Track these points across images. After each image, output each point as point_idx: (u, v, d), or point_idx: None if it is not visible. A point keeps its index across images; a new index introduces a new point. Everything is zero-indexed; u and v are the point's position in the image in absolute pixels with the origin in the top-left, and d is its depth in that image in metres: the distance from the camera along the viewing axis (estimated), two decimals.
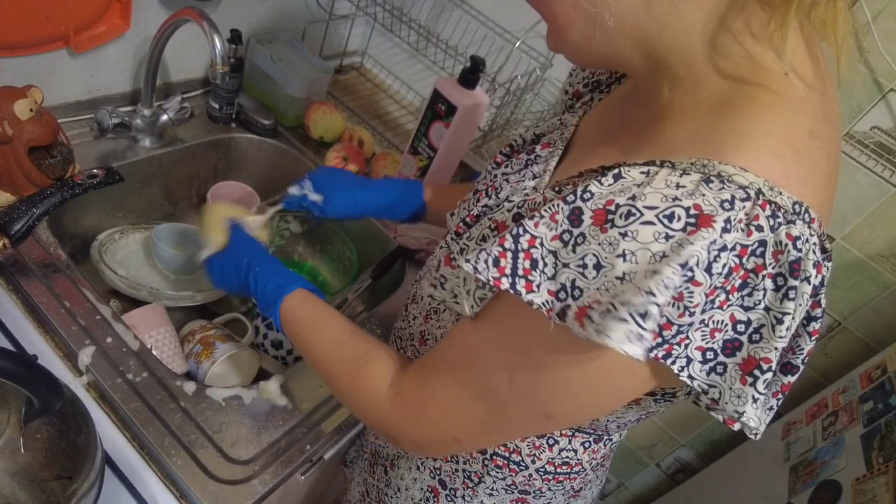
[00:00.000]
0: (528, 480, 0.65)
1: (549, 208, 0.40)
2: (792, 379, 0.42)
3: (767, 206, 0.36)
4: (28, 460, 0.49)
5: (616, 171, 0.40)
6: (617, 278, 0.36)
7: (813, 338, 0.41)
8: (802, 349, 0.41)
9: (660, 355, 0.37)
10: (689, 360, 0.38)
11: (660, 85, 0.44)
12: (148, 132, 0.97)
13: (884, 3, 0.90)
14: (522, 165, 0.56)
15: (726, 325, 0.38)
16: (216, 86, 1.05)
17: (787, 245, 0.36)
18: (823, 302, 0.40)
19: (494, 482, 0.66)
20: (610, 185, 0.39)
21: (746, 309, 0.38)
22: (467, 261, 0.42)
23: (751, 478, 1.25)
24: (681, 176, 0.37)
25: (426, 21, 1.26)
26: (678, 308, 0.36)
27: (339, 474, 0.98)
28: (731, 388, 0.39)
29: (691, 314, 0.36)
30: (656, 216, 0.36)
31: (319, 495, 1.09)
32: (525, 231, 0.41)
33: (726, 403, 0.39)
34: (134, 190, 0.99)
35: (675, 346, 0.37)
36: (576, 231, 0.38)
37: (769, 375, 0.39)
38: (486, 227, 0.49)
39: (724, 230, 0.35)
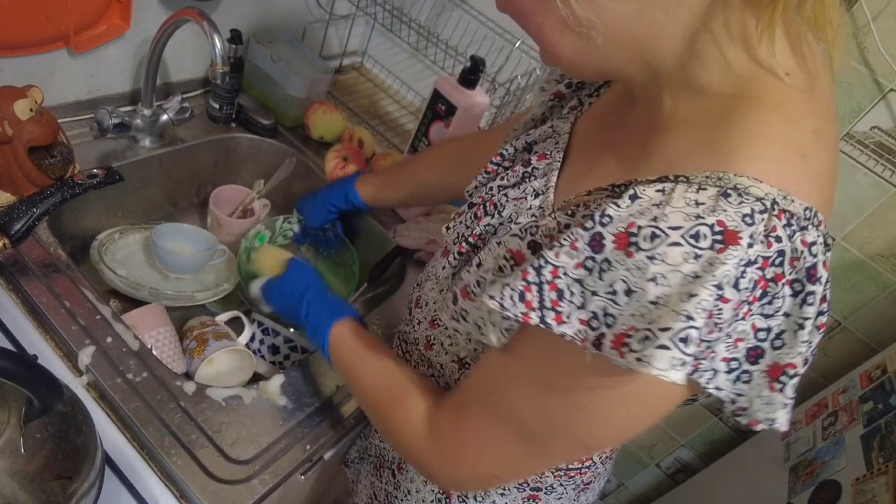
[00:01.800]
0: (541, 477, 0.65)
1: (569, 237, 0.40)
2: (801, 371, 0.42)
3: (783, 216, 0.36)
4: (28, 460, 0.49)
5: (632, 191, 0.39)
6: (651, 303, 0.36)
7: (821, 330, 0.41)
8: (812, 343, 0.41)
9: (689, 371, 0.37)
10: (716, 372, 0.38)
11: (660, 93, 0.43)
12: (148, 132, 0.97)
13: (884, 3, 0.90)
14: (519, 178, 0.55)
15: (748, 333, 0.38)
16: (216, 86, 1.05)
17: (802, 252, 0.37)
18: (829, 296, 0.40)
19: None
20: (628, 206, 0.38)
21: (767, 317, 0.38)
22: (492, 297, 0.42)
23: (751, 478, 1.25)
24: (697, 192, 0.37)
25: (426, 21, 1.27)
26: (708, 326, 0.36)
27: (340, 474, 0.98)
28: (759, 396, 0.39)
29: (720, 330, 0.36)
30: (682, 236, 0.36)
31: (319, 495, 1.09)
32: (547, 262, 0.40)
33: (756, 412, 0.40)
34: (134, 190, 0.99)
35: (703, 361, 0.37)
36: (599, 257, 0.38)
37: (796, 380, 0.39)
38: (500, 256, 0.48)
39: (749, 245, 0.35)
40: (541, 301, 0.40)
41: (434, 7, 1.27)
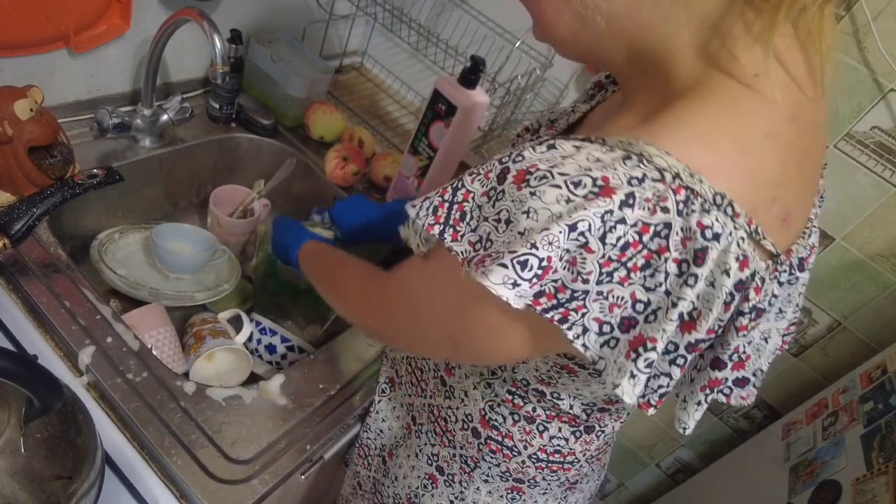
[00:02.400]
0: (522, 468, 0.66)
1: (486, 167, 0.43)
2: (720, 374, 0.43)
3: (682, 191, 0.37)
4: (28, 460, 0.49)
5: (551, 142, 0.41)
6: (518, 233, 0.39)
7: (741, 333, 0.41)
8: (730, 344, 0.42)
9: (556, 318, 0.39)
10: (586, 330, 0.40)
11: (638, 84, 0.46)
12: (148, 132, 0.97)
13: (884, 3, 0.90)
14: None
15: (626, 301, 0.39)
16: (216, 86, 1.05)
17: (695, 232, 0.37)
18: (755, 298, 0.40)
19: (489, 468, 0.67)
20: (542, 152, 0.41)
21: (648, 290, 0.38)
22: (413, 206, 0.46)
23: (751, 478, 1.25)
24: (604, 152, 0.39)
25: (426, 21, 1.27)
26: (572, 273, 0.38)
27: (340, 474, 0.98)
28: (615, 361, 0.40)
29: (585, 281, 0.38)
30: (564, 181, 0.38)
31: (319, 495, 1.09)
32: (462, 185, 0.44)
33: (607, 375, 0.41)
34: (134, 190, 0.99)
35: (572, 312, 0.39)
36: (499, 188, 0.41)
37: (652, 355, 0.39)
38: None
39: (625, 204, 0.37)
40: (447, 218, 0.43)
41: (434, 7, 1.27)
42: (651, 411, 0.43)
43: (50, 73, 0.87)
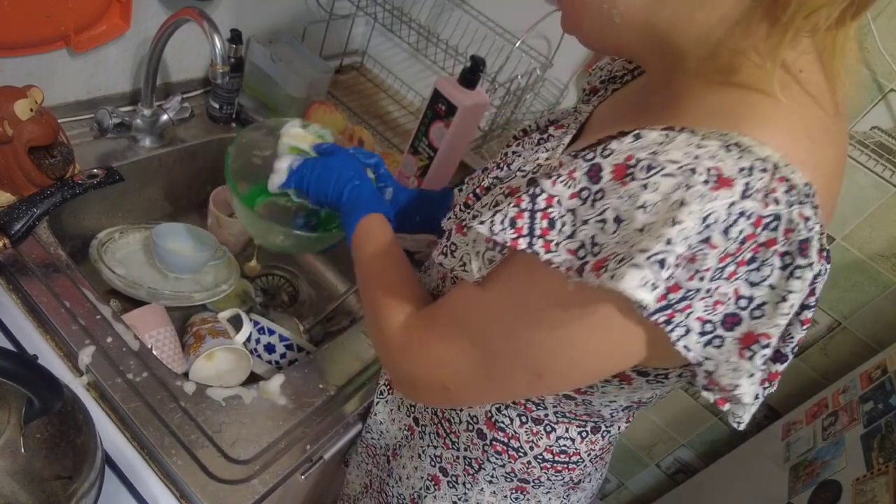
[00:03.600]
0: (527, 468, 0.66)
1: (568, 166, 0.40)
2: (780, 368, 0.42)
3: (784, 182, 0.36)
4: (28, 460, 0.49)
5: (636, 132, 0.40)
6: (637, 230, 0.36)
7: (804, 327, 0.41)
8: (793, 338, 0.41)
9: (661, 320, 0.36)
10: (688, 331, 0.37)
11: (670, 76, 0.45)
12: (148, 132, 0.97)
13: (884, 3, 0.90)
14: (535, 143, 0.58)
15: (729, 298, 0.37)
16: (216, 86, 1.05)
17: (798, 224, 0.36)
18: (818, 292, 0.40)
19: (494, 469, 0.67)
20: (630, 143, 0.39)
21: (752, 284, 0.37)
22: (482, 223, 0.42)
23: (751, 478, 1.25)
24: (700, 140, 0.37)
25: (426, 21, 1.27)
26: (689, 270, 0.35)
27: (340, 474, 0.98)
28: (727, 361, 0.39)
29: (700, 279, 0.36)
30: (678, 169, 0.35)
31: (319, 495, 1.09)
32: (542, 191, 0.40)
33: (721, 376, 0.39)
34: (134, 190, 0.99)
35: (678, 314, 0.37)
36: (594, 187, 0.38)
37: (767, 352, 0.38)
38: (498, 193, 0.49)
39: (744, 195, 0.35)
40: (531, 228, 0.40)
41: (434, 7, 1.27)
42: (744, 422, 0.43)
43: (50, 73, 0.87)
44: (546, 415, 0.61)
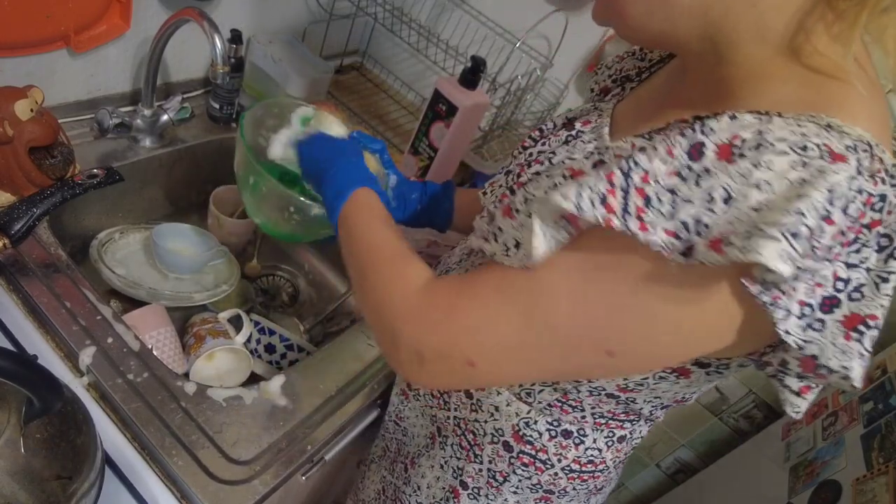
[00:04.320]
0: (554, 479, 0.65)
1: (664, 141, 0.38)
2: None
3: (881, 163, 0.35)
4: (28, 460, 0.49)
5: (730, 113, 0.38)
6: (751, 209, 0.34)
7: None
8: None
9: (767, 301, 0.35)
10: (789, 314, 0.35)
11: (715, 64, 0.44)
12: (148, 132, 0.97)
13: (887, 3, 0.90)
14: (563, 141, 0.56)
15: (828, 280, 0.36)
16: (216, 86, 1.05)
17: (895, 205, 0.35)
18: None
19: (520, 481, 0.66)
20: (728, 123, 0.37)
21: (849, 266, 0.36)
22: (566, 198, 0.38)
23: (751, 478, 1.25)
24: (794, 121, 0.36)
25: (426, 21, 1.27)
26: (804, 247, 0.34)
27: (341, 475, 0.98)
28: (833, 344, 0.37)
29: (815, 259, 0.34)
30: (789, 147, 0.34)
31: (320, 496, 1.09)
32: (637, 165, 0.37)
33: (829, 359, 0.37)
34: (134, 190, 0.99)
35: (784, 296, 0.35)
36: (697, 166, 0.36)
37: (875, 333, 0.37)
38: (556, 175, 0.45)
39: (857, 171, 0.34)
40: (625, 206, 0.37)
41: (434, 7, 1.27)
42: (802, 411, 0.42)
43: (50, 73, 0.87)
44: (579, 427, 0.61)
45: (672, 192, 0.36)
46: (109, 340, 0.71)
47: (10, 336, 0.70)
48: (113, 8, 0.87)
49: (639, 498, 1.61)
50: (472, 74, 0.96)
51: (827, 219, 0.33)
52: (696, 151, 0.36)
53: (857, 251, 0.36)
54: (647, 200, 0.37)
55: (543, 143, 0.58)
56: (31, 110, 0.75)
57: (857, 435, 1.05)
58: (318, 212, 0.69)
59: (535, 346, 0.44)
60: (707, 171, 0.36)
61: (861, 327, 0.37)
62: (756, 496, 1.21)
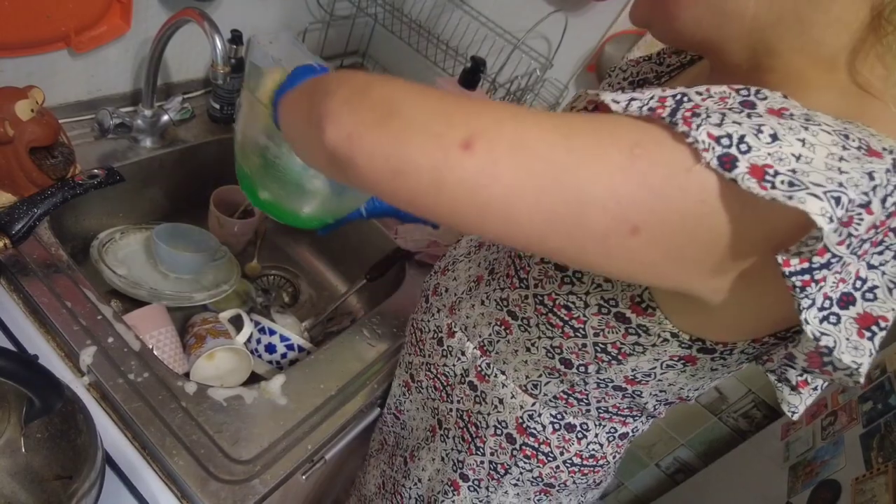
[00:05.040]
0: (555, 472, 0.66)
1: (720, 93, 0.37)
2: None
3: None
4: (28, 460, 0.49)
5: (782, 93, 0.38)
6: (793, 154, 0.33)
7: None
8: None
9: (797, 284, 0.35)
10: (812, 304, 0.36)
11: (755, 72, 0.44)
12: (149, 132, 0.97)
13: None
14: None
15: (851, 276, 0.37)
16: (217, 86, 1.05)
17: None
18: None
19: (521, 473, 0.67)
20: (781, 98, 0.37)
21: (870, 267, 0.37)
22: (616, 101, 0.37)
23: (750, 478, 1.25)
24: (841, 121, 0.37)
25: (426, 21, 1.27)
26: (840, 234, 0.34)
27: (341, 474, 0.98)
28: (848, 340, 0.37)
29: (849, 246, 0.34)
30: (833, 130, 0.35)
31: (321, 495, 1.09)
32: (689, 99, 0.37)
33: (842, 353, 0.37)
34: (135, 190, 0.99)
35: (813, 283, 0.35)
36: (748, 110, 0.36)
37: (884, 334, 0.38)
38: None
39: (894, 167, 0.34)
40: (673, 111, 0.36)
41: (434, 7, 1.27)
42: (799, 412, 0.43)
43: (51, 73, 0.87)
44: (582, 422, 0.61)
45: (723, 114, 0.35)
46: (110, 340, 0.71)
47: (10, 336, 0.70)
48: (113, 8, 0.87)
49: (638, 498, 1.61)
50: (472, 74, 0.96)
51: (867, 207, 0.33)
52: (748, 104, 0.37)
53: (881, 253, 0.37)
54: (696, 113, 0.35)
55: None
56: (32, 110, 0.75)
57: (857, 435, 1.06)
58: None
59: (561, 169, 0.36)
60: (759, 115, 0.36)
61: (874, 327, 0.37)
62: (755, 496, 1.21)
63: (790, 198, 0.32)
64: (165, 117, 0.97)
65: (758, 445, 1.30)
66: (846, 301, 0.37)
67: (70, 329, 0.70)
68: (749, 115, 0.35)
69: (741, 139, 0.34)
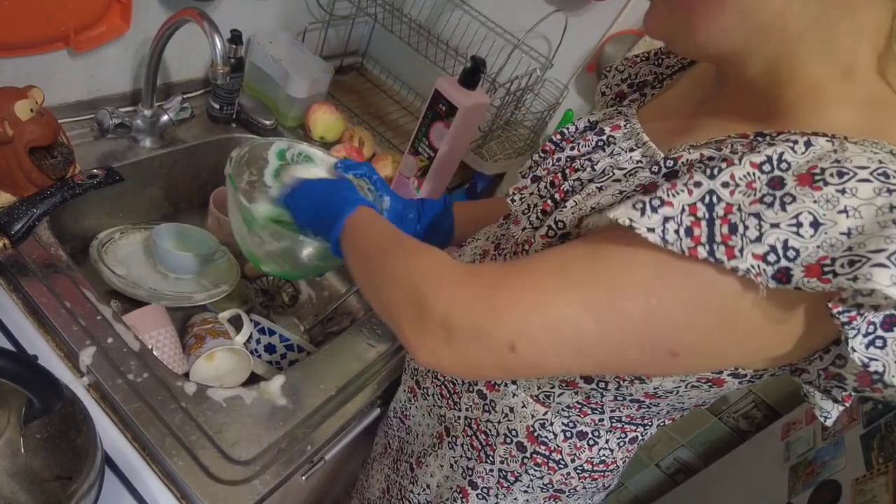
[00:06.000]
0: (566, 479, 0.65)
1: (745, 177, 0.38)
2: None
3: None
4: (28, 460, 0.49)
5: (807, 139, 0.38)
6: (842, 234, 0.35)
7: None
8: None
9: (844, 320, 0.36)
10: (858, 332, 0.37)
11: (773, 84, 0.44)
12: (148, 132, 0.97)
13: None
14: (593, 146, 0.55)
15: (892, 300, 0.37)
16: (217, 86, 1.05)
17: None
18: None
19: (532, 481, 0.66)
20: (803, 153, 0.38)
21: None
22: (651, 231, 0.38)
23: (751, 478, 1.25)
24: (872, 150, 0.37)
25: (426, 21, 1.27)
26: None
27: (341, 475, 0.98)
28: (895, 363, 0.38)
29: None
30: (870, 174, 0.35)
31: (320, 496, 1.09)
32: (720, 200, 0.38)
33: (892, 376, 0.38)
34: (134, 190, 0.99)
35: (859, 316, 0.36)
36: (780, 192, 0.37)
37: None
38: (625, 189, 0.45)
39: None
40: (710, 235, 0.37)
41: (434, 7, 1.27)
42: (832, 418, 0.45)
43: (50, 73, 0.87)
44: (594, 429, 0.61)
45: (758, 216, 0.37)
46: (109, 340, 0.71)
47: (10, 336, 0.70)
48: (113, 8, 0.87)
49: (638, 498, 1.61)
50: (472, 74, 0.96)
51: None
52: (776, 184, 0.37)
53: None
54: (733, 228, 0.37)
55: (572, 148, 0.57)
56: (32, 110, 0.75)
57: (857, 435, 1.06)
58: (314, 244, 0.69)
59: (594, 337, 0.41)
60: (792, 196, 0.36)
61: None
62: (756, 496, 1.21)
63: (855, 279, 0.34)
64: (165, 117, 0.97)
65: (758, 446, 1.30)
66: (890, 324, 0.37)
67: (69, 329, 0.70)
68: (783, 205, 0.36)
69: (786, 247, 0.36)
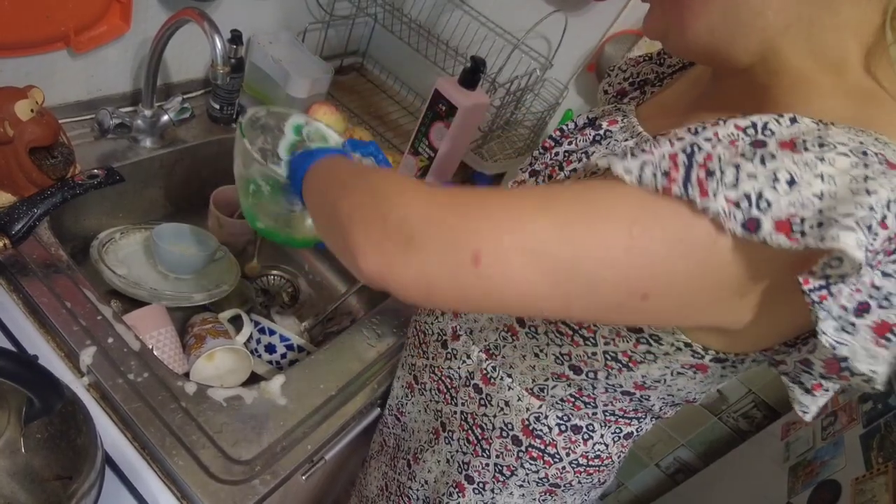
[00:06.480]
0: (561, 473, 0.66)
1: (728, 136, 0.38)
2: None
3: None
4: (28, 460, 0.49)
5: (792, 115, 0.38)
6: (814, 195, 0.35)
7: None
8: None
9: (815, 299, 0.35)
10: (828, 315, 0.36)
11: (763, 76, 0.45)
12: (148, 132, 0.97)
13: None
14: (591, 140, 0.56)
15: (865, 286, 0.37)
16: (217, 86, 1.05)
17: None
18: None
19: (527, 475, 0.67)
20: (788, 126, 0.38)
21: (885, 275, 0.37)
22: (629, 172, 0.38)
23: (750, 478, 1.25)
24: (846, 131, 0.37)
25: (426, 21, 1.27)
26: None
27: (342, 474, 0.98)
28: (864, 349, 0.37)
29: (865, 262, 0.35)
30: (850, 150, 0.35)
31: (321, 495, 1.09)
32: (700, 149, 0.38)
33: (859, 363, 0.37)
34: (134, 190, 0.99)
35: (830, 297, 0.36)
36: (761, 151, 0.37)
37: None
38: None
39: None
40: (686, 178, 0.37)
41: (434, 7, 1.27)
42: (811, 413, 0.45)
43: (50, 73, 0.87)
44: (588, 423, 0.62)
45: (736, 167, 0.36)
46: (110, 340, 0.71)
47: (10, 336, 0.70)
48: (113, 8, 0.87)
49: (638, 498, 1.61)
50: (472, 74, 0.96)
51: (882, 222, 0.34)
52: (759, 144, 0.37)
53: (894, 262, 0.37)
54: (710, 173, 0.37)
55: (570, 143, 0.58)
56: (32, 110, 0.75)
57: (857, 435, 1.06)
58: None
59: (567, 264, 0.38)
60: (773, 155, 0.36)
61: (889, 335, 0.38)
62: (755, 496, 1.21)
63: (822, 239, 0.33)
64: (165, 117, 0.97)
65: (758, 446, 1.30)
66: (861, 310, 0.37)
67: (70, 329, 0.70)
68: (763, 160, 0.36)
69: (759, 196, 0.35)
